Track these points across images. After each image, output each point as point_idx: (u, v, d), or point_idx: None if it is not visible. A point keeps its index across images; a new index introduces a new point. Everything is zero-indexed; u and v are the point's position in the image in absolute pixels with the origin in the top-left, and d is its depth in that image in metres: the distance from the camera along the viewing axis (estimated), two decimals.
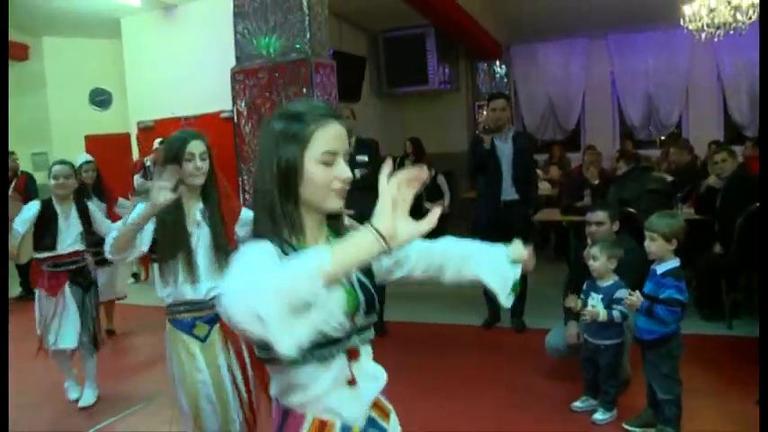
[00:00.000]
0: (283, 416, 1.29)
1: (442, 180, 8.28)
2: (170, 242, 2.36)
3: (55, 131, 9.86)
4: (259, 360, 1.28)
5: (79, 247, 4.04)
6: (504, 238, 5.39)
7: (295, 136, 1.23)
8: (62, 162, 4.10)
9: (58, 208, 4.03)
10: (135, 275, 7.65)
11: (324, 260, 0.98)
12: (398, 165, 7.71)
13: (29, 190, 7.11)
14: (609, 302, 3.25)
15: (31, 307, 4.16)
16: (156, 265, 2.47)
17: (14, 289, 7.03)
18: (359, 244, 1.02)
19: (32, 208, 3.99)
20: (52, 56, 9.84)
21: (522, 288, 5.11)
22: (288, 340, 0.96)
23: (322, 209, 1.28)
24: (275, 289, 0.96)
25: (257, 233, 1.25)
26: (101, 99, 10.24)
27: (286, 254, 1.20)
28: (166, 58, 8.30)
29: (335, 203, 1.27)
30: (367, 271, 1.34)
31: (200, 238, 2.40)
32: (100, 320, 4.22)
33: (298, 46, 4.96)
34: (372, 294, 1.32)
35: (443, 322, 5.37)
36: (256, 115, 5.21)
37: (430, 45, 9.28)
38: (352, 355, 1.29)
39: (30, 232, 4.24)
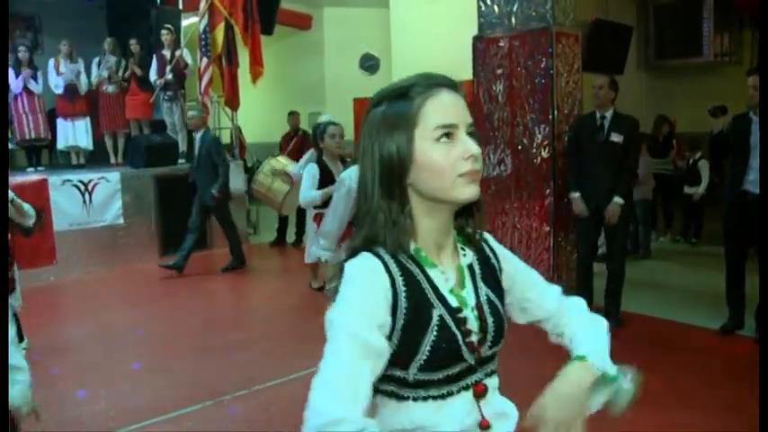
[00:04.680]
0: None
1: (703, 164, 7.41)
2: None
3: (329, 93, 10.94)
4: None
5: None
6: (746, 238, 4.65)
7: (399, 117, 1.01)
8: (336, 123, 4.48)
9: (331, 166, 4.42)
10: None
11: None
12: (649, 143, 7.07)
13: (303, 147, 7.80)
14: None
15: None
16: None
17: (272, 235, 8.17)
18: None
19: (313, 169, 4.43)
20: (330, 25, 10.92)
21: None
22: None
23: (450, 201, 1.03)
24: None
25: (367, 242, 1.04)
26: (369, 64, 11.07)
27: (403, 266, 1.02)
28: (428, 25, 8.69)
29: (467, 191, 1.01)
30: (499, 291, 1.15)
31: None
32: None
33: (538, 14, 4.83)
34: (503, 319, 1.11)
35: (673, 319, 4.85)
36: (495, 85, 5.22)
37: (706, 12, 8.44)
38: (479, 391, 1.07)
39: (293, 190, 4.71)
